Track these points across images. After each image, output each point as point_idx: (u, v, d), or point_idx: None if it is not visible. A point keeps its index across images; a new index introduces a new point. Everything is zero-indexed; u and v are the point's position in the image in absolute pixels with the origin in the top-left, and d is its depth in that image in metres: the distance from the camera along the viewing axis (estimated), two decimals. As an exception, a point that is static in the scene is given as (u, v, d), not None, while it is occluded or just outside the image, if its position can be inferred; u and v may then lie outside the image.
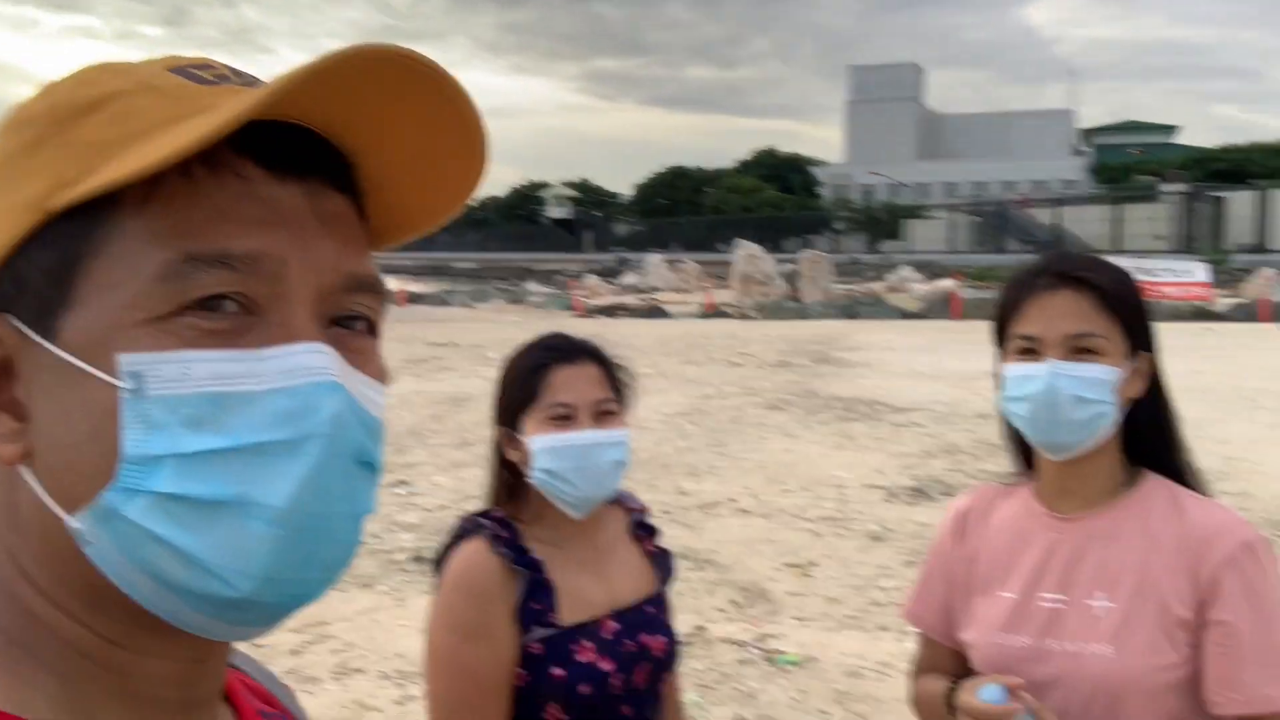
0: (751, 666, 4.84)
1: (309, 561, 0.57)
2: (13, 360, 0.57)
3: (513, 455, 1.86)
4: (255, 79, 0.62)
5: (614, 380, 1.91)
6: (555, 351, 1.87)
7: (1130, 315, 1.66)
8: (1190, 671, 1.59)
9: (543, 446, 1.80)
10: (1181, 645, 1.59)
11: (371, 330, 0.64)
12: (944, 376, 13.87)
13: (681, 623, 5.22)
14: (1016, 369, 1.68)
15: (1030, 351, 1.66)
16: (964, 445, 9.40)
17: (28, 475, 0.56)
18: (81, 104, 0.57)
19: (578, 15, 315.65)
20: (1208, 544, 1.61)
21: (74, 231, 0.56)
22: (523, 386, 1.84)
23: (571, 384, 1.83)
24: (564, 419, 1.82)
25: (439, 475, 8.31)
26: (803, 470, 8.63)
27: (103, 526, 0.55)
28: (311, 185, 0.59)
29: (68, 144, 0.56)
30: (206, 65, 0.61)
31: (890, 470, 8.57)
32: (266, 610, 0.58)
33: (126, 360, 0.55)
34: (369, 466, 0.60)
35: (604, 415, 1.85)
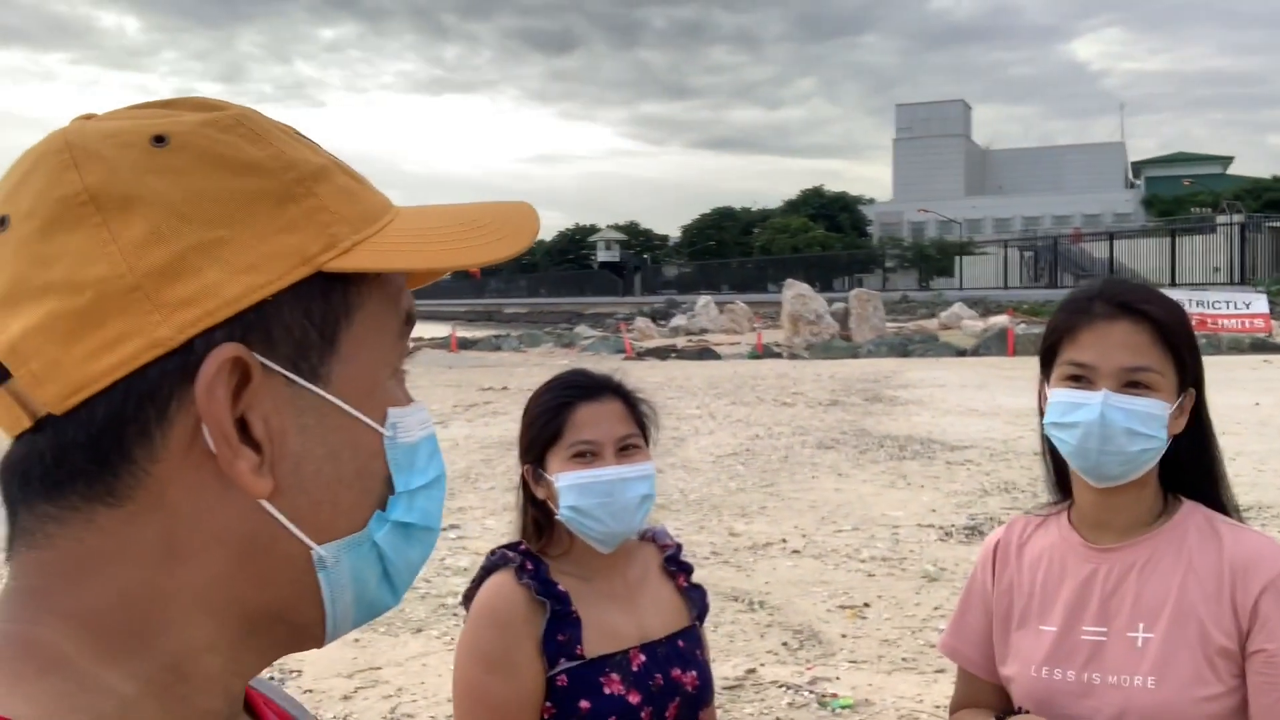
0: (804, 710, 4.76)
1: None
2: (256, 397, 0.60)
3: (539, 492, 1.87)
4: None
5: (637, 415, 1.92)
6: (577, 389, 1.88)
7: (1184, 351, 1.64)
8: (1237, 702, 1.56)
9: (568, 484, 1.81)
10: (1225, 675, 1.56)
11: None
12: (999, 413, 13.68)
13: (732, 666, 5.22)
14: (1066, 395, 1.65)
15: (1082, 379, 1.64)
16: (1020, 483, 9.25)
17: (270, 507, 0.61)
18: (311, 169, 0.63)
19: (623, 62, 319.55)
20: (1247, 571, 1.58)
21: (340, 289, 0.63)
22: (546, 424, 1.86)
23: (594, 420, 1.84)
24: (588, 455, 1.83)
25: (490, 519, 8.32)
26: (855, 510, 8.54)
27: (349, 552, 0.64)
28: None
29: (319, 209, 0.62)
30: (286, 125, 0.69)
31: (945, 509, 8.45)
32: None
33: (393, 413, 0.66)
34: None
35: (628, 450, 1.86)
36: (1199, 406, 1.69)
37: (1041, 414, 1.72)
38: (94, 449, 0.57)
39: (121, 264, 0.57)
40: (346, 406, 0.63)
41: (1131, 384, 1.62)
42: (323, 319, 0.62)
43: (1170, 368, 1.63)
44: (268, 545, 0.61)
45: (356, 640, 5.62)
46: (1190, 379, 1.66)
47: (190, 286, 0.57)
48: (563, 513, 1.82)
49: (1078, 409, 1.63)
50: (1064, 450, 1.68)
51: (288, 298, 0.60)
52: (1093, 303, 1.66)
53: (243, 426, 0.59)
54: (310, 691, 5.03)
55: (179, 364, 0.57)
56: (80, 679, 0.56)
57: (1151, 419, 1.60)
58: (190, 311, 0.57)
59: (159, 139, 0.60)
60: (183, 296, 0.57)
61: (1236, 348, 23.36)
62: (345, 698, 4.99)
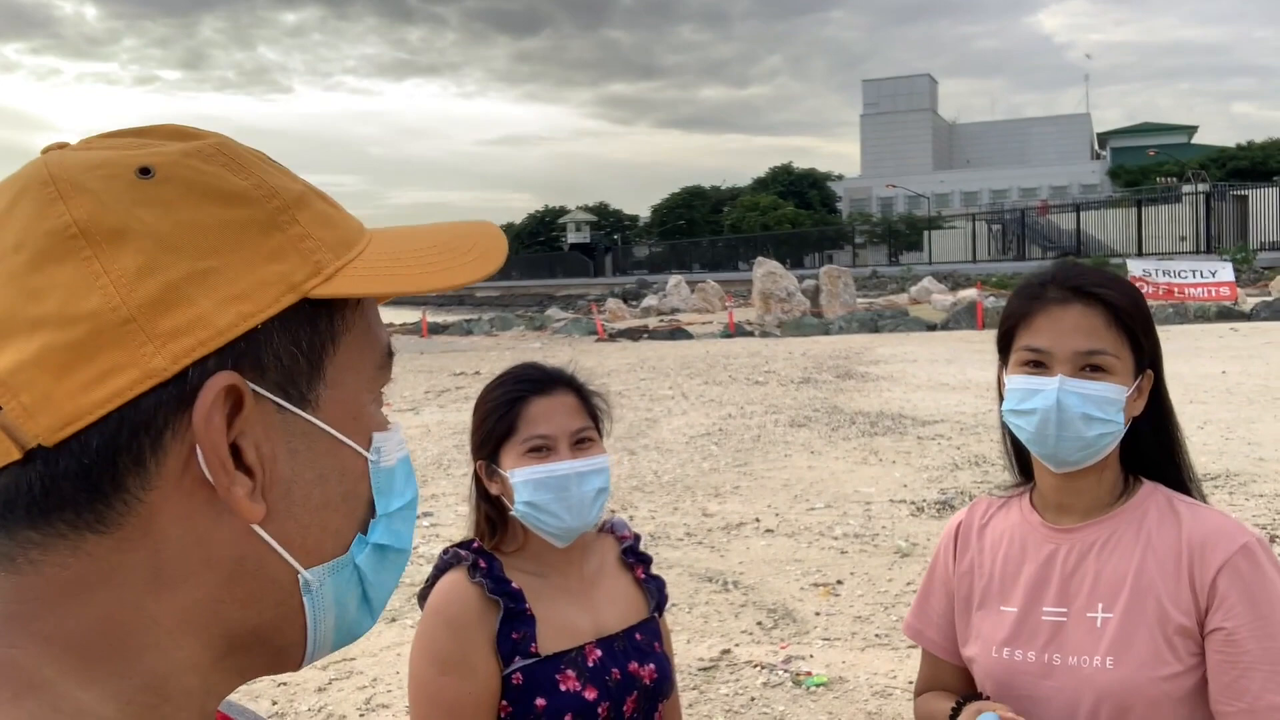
0: (779, 689, 4.79)
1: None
2: (247, 423, 0.61)
3: (493, 488, 1.86)
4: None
5: (590, 408, 1.90)
6: (530, 383, 1.86)
7: (1139, 333, 1.64)
8: (1196, 680, 1.57)
9: (523, 479, 1.79)
10: (1184, 654, 1.57)
11: None
12: (969, 387, 13.77)
13: (707, 646, 5.24)
14: (1023, 381, 1.65)
15: (1038, 364, 1.64)
16: (991, 456, 9.30)
17: (261, 532, 0.62)
18: (291, 197, 0.64)
19: (590, 41, 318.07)
20: (1204, 550, 1.59)
21: (326, 315, 0.64)
22: (499, 420, 1.84)
23: (548, 415, 1.82)
24: (542, 450, 1.81)
25: (462, 505, 8.26)
26: (828, 487, 8.58)
27: (334, 575, 0.66)
28: None
29: (303, 237, 0.63)
30: (259, 152, 0.70)
31: (916, 484, 8.50)
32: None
33: (377, 438, 0.68)
34: None
35: (582, 444, 1.84)
36: (1158, 387, 1.69)
37: (1001, 400, 1.72)
38: (86, 478, 0.58)
39: (115, 296, 0.57)
40: (334, 431, 0.65)
41: (1087, 368, 1.61)
42: (310, 345, 0.64)
43: (1126, 350, 1.63)
44: (255, 569, 0.62)
45: (330, 631, 5.59)
46: (1147, 361, 1.66)
47: (183, 317, 0.58)
48: (518, 508, 1.81)
49: (1034, 395, 1.62)
50: (1023, 437, 1.68)
51: (276, 325, 0.61)
52: (1046, 288, 1.66)
53: (235, 453, 0.60)
54: (284, 684, 5.01)
55: (173, 393, 0.58)
56: (57, 701, 0.56)
57: (1108, 403, 1.60)
58: (183, 341, 0.58)
59: (144, 170, 0.61)
60: (175, 327, 0.58)
61: (1203, 316, 23.59)
62: (320, 689, 4.97)
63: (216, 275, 0.60)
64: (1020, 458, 1.79)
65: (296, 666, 0.68)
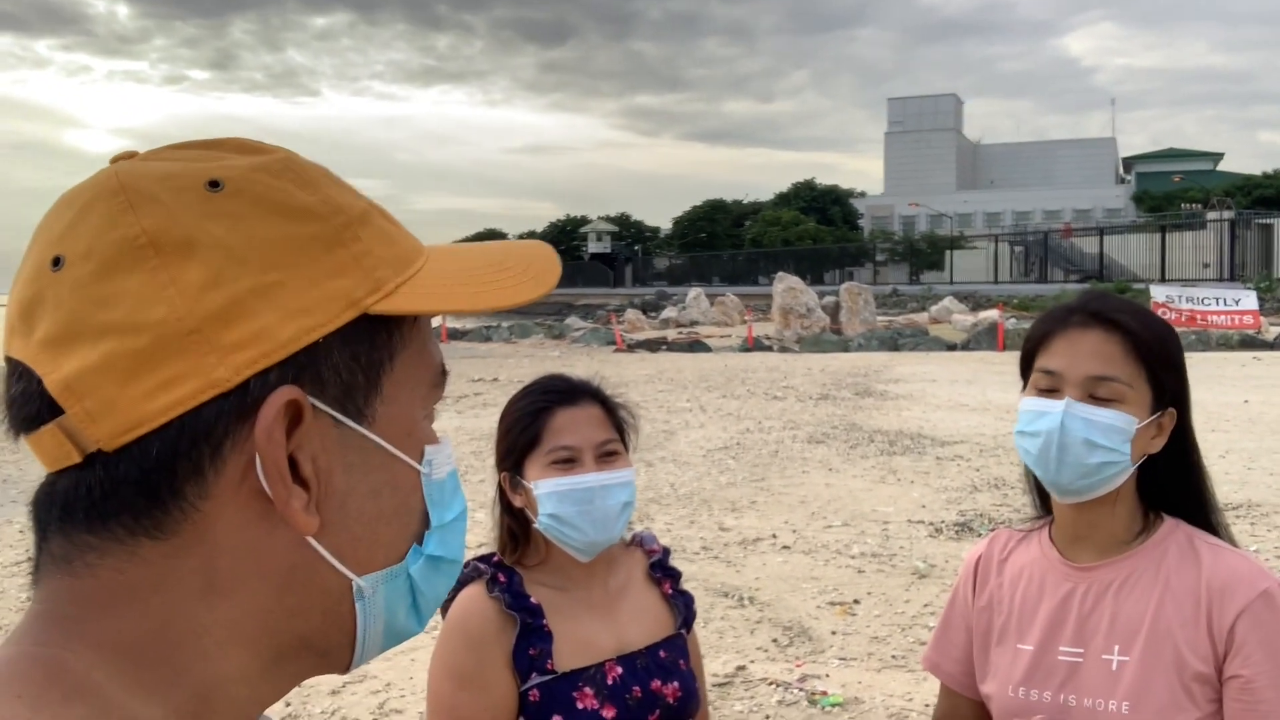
0: (794, 708, 4.76)
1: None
2: (306, 436, 0.61)
3: (517, 500, 1.84)
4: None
5: (616, 420, 1.87)
6: (555, 394, 1.84)
7: (1159, 367, 1.60)
8: None
9: (547, 491, 1.77)
10: (1202, 700, 1.53)
11: None
12: (989, 408, 13.69)
13: (722, 662, 5.20)
14: (1033, 403, 1.63)
15: (1050, 389, 1.62)
16: (1010, 479, 9.25)
17: (314, 543, 0.62)
18: (354, 214, 0.65)
19: (616, 53, 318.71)
20: (1224, 594, 1.55)
21: (385, 332, 0.65)
22: (524, 430, 1.82)
23: (574, 426, 1.80)
24: (567, 462, 1.79)
25: (480, 512, 8.26)
26: (845, 505, 8.53)
27: (387, 584, 0.67)
28: None
29: (365, 254, 0.64)
30: (322, 168, 0.70)
31: (935, 505, 8.45)
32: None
33: (429, 451, 0.69)
34: None
35: (608, 456, 1.82)
36: (1183, 427, 1.65)
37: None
38: (145, 484, 0.59)
39: (181, 307, 0.58)
40: (389, 446, 0.66)
41: (1099, 396, 1.58)
42: (368, 361, 0.64)
43: (1142, 382, 1.59)
44: (306, 579, 0.63)
45: (344, 634, 5.60)
46: (1169, 398, 1.62)
47: (246, 329, 0.59)
48: (542, 521, 1.79)
49: (1040, 417, 1.60)
50: (1028, 461, 1.65)
51: (336, 340, 0.62)
52: (1072, 313, 1.64)
53: (291, 465, 0.61)
54: (298, 687, 5.01)
55: (235, 404, 0.59)
56: (106, 706, 0.57)
57: (1114, 431, 1.56)
58: (246, 353, 0.59)
59: (214, 184, 0.61)
60: (239, 339, 0.59)
61: (1225, 344, 23.42)
62: (333, 692, 4.97)
63: (281, 289, 0.60)
64: (1040, 487, 1.76)
65: (344, 670, 0.68)
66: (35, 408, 0.60)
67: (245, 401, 0.59)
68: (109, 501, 0.59)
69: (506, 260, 0.72)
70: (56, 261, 0.60)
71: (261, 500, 0.60)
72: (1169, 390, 1.61)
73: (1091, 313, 1.61)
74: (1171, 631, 1.56)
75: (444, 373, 0.72)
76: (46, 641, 0.59)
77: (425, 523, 0.69)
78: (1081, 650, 1.61)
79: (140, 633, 0.59)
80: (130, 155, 0.65)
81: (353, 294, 0.63)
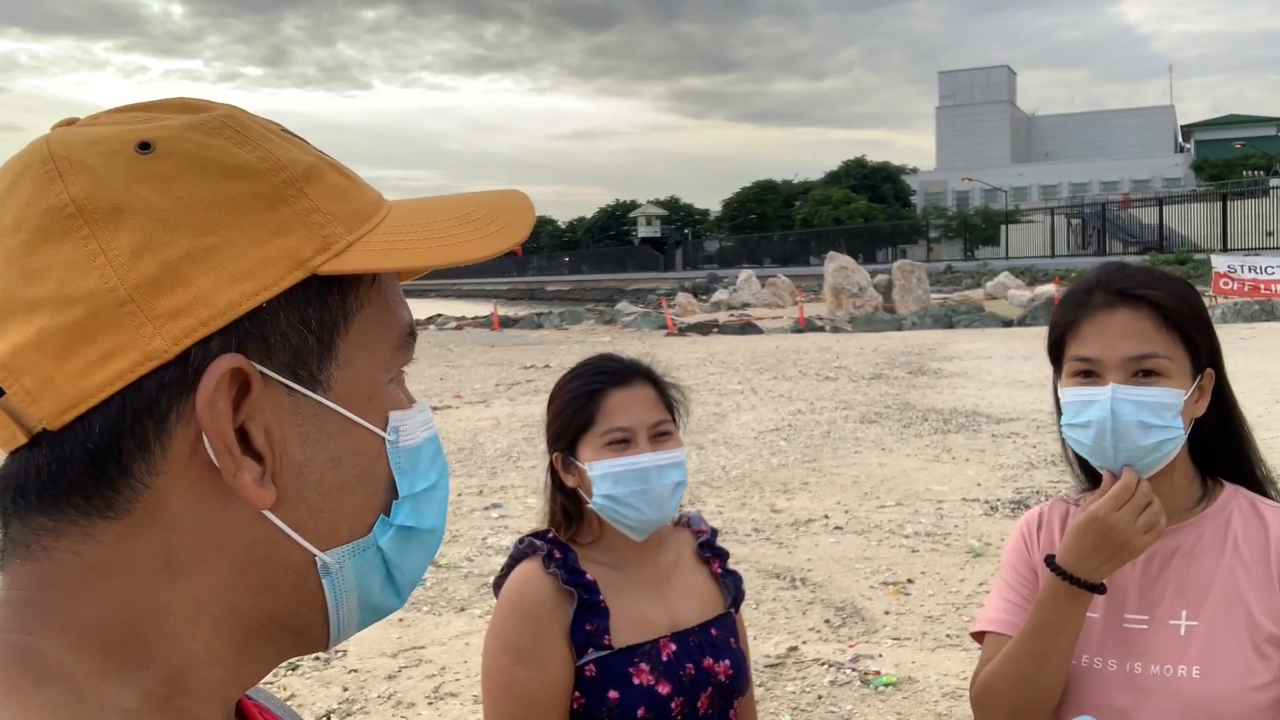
0: (847, 688, 4.74)
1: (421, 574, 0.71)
2: (255, 406, 0.59)
3: (570, 481, 1.84)
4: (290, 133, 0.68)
5: (668, 400, 1.87)
6: (608, 374, 1.84)
7: (1192, 332, 1.57)
8: None
9: (602, 472, 1.78)
10: (1274, 664, 1.51)
11: None
12: (1045, 384, 13.36)
13: (774, 643, 5.20)
14: (1076, 393, 1.60)
15: (1089, 374, 1.59)
16: (1067, 455, 9.12)
17: (272, 517, 0.60)
18: (301, 169, 0.62)
19: (664, 36, 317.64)
20: None
21: (337, 292, 0.62)
22: (577, 412, 1.82)
23: (627, 407, 1.81)
24: (622, 443, 1.79)
25: (531, 498, 8.34)
26: (899, 485, 8.47)
27: (355, 557, 0.64)
28: None
29: (312, 210, 0.61)
30: (271, 123, 0.67)
31: (990, 483, 8.36)
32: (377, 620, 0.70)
33: (395, 417, 0.65)
34: None
35: (661, 436, 1.83)
36: (1220, 385, 1.63)
37: (1059, 413, 1.67)
38: (91, 463, 0.57)
39: (112, 276, 0.56)
40: (347, 413, 0.63)
41: (1140, 373, 1.55)
42: (319, 324, 0.61)
43: (1180, 351, 1.56)
44: (268, 554, 0.61)
45: (401, 619, 5.67)
46: (1205, 359, 1.60)
47: (182, 296, 0.56)
48: (596, 501, 1.79)
49: (1088, 407, 1.57)
50: (1082, 452, 1.63)
51: (283, 303, 0.59)
52: (1091, 294, 1.61)
53: (243, 436, 0.58)
54: (355, 671, 5.09)
55: (176, 376, 0.57)
56: (79, 691, 0.56)
57: (1164, 408, 1.54)
58: (183, 322, 0.56)
59: (144, 145, 0.59)
60: (175, 307, 0.56)
61: (1291, 314, 22.86)
62: (389, 677, 5.04)
63: (218, 253, 0.57)
64: (1086, 467, 1.73)
65: (324, 647, 0.66)
66: None
67: (187, 372, 0.57)
68: (58, 482, 0.57)
69: (475, 211, 0.68)
70: None
71: (214, 474, 0.58)
72: (1204, 351, 1.59)
73: (1114, 292, 1.59)
74: (1242, 594, 1.54)
75: (412, 333, 0.68)
76: (14, 628, 0.58)
77: (393, 492, 0.65)
78: (1147, 617, 1.60)
79: (104, 615, 0.58)
80: (71, 122, 0.63)
81: (299, 254, 0.60)
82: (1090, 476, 1.74)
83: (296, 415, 0.61)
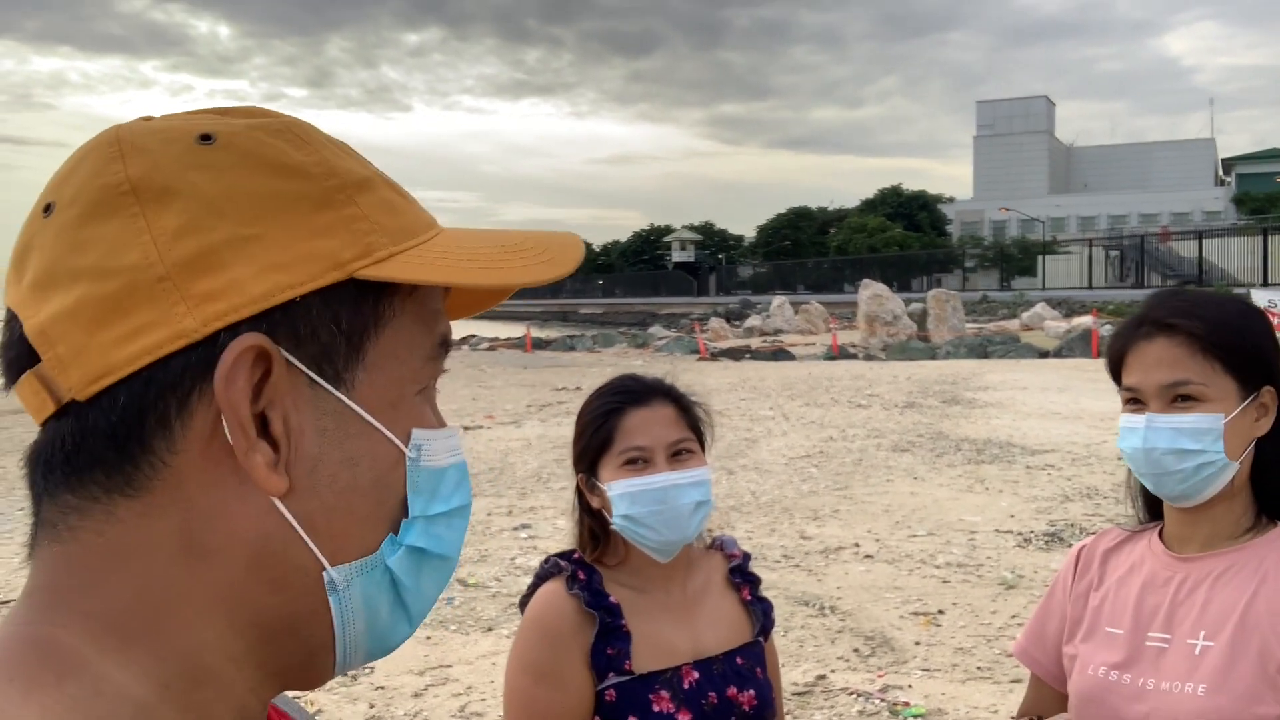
0: (875, 718, 4.69)
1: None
2: (276, 392, 0.59)
3: (594, 501, 1.84)
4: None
5: (690, 419, 1.86)
6: (626, 394, 1.84)
7: (1235, 353, 1.58)
8: None
9: (619, 492, 1.77)
10: None
11: None
12: (1081, 416, 13.37)
13: (802, 671, 5.15)
14: (1123, 420, 1.66)
15: (1136, 402, 1.64)
16: (1103, 488, 9.02)
17: (284, 510, 0.60)
18: (354, 179, 0.64)
19: (703, 62, 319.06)
20: None
21: (372, 299, 0.63)
22: (596, 431, 1.82)
23: (645, 426, 1.80)
24: (639, 462, 1.78)
25: (561, 519, 8.33)
26: (931, 514, 8.39)
27: (363, 575, 0.63)
28: None
29: (360, 217, 0.62)
30: (339, 141, 0.69)
31: (1024, 515, 8.27)
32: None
33: (419, 435, 0.65)
34: None
35: (680, 455, 1.81)
36: None
37: None
38: (114, 437, 0.58)
39: (153, 252, 0.57)
40: (367, 415, 0.63)
41: (1178, 399, 1.59)
42: (350, 325, 0.62)
43: (1219, 374, 1.58)
44: (280, 550, 0.61)
45: (428, 638, 5.67)
46: (1261, 377, 1.60)
47: (218, 280, 0.58)
48: (616, 522, 1.79)
49: (1130, 434, 1.64)
50: (1137, 476, 1.69)
51: (317, 301, 0.60)
52: (1140, 325, 1.65)
53: (262, 423, 0.59)
54: (381, 688, 5.09)
55: (203, 357, 0.58)
56: (97, 684, 0.56)
57: (1201, 433, 1.56)
58: (216, 305, 0.58)
59: (205, 137, 0.61)
60: (210, 289, 0.58)
61: (1333, 350, 22.54)
62: (416, 695, 5.04)
63: (258, 243, 0.59)
64: (1146, 494, 1.77)
65: (329, 674, 0.66)
66: (16, 353, 0.60)
67: (214, 354, 0.57)
68: (81, 454, 0.58)
69: (524, 244, 0.70)
70: (48, 209, 0.60)
71: (232, 459, 0.59)
72: (1258, 371, 1.59)
73: (1153, 321, 1.63)
74: (1261, 623, 1.54)
75: (445, 346, 0.68)
76: (38, 620, 0.58)
77: (404, 509, 0.65)
78: (1169, 636, 1.61)
79: (124, 599, 0.58)
80: (149, 118, 0.65)
81: (338, 256, 0.61)
82: (1148, 507, 1.76)
83: (316, 409, 0.61)
